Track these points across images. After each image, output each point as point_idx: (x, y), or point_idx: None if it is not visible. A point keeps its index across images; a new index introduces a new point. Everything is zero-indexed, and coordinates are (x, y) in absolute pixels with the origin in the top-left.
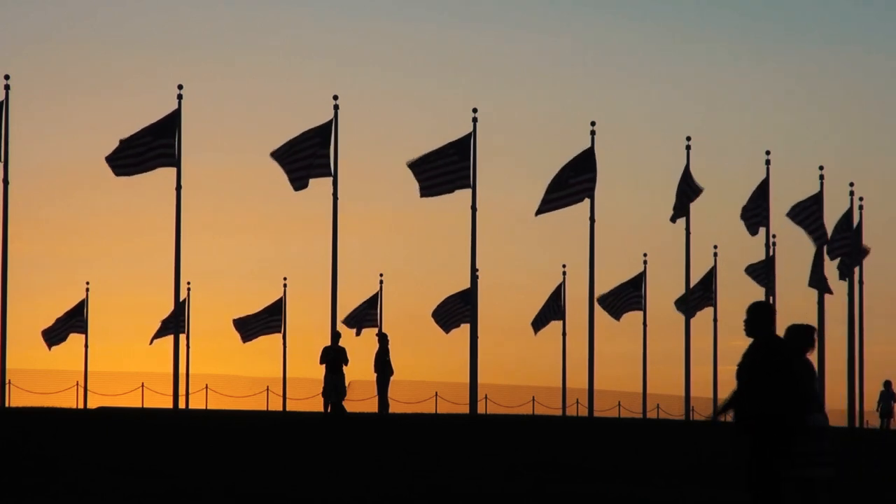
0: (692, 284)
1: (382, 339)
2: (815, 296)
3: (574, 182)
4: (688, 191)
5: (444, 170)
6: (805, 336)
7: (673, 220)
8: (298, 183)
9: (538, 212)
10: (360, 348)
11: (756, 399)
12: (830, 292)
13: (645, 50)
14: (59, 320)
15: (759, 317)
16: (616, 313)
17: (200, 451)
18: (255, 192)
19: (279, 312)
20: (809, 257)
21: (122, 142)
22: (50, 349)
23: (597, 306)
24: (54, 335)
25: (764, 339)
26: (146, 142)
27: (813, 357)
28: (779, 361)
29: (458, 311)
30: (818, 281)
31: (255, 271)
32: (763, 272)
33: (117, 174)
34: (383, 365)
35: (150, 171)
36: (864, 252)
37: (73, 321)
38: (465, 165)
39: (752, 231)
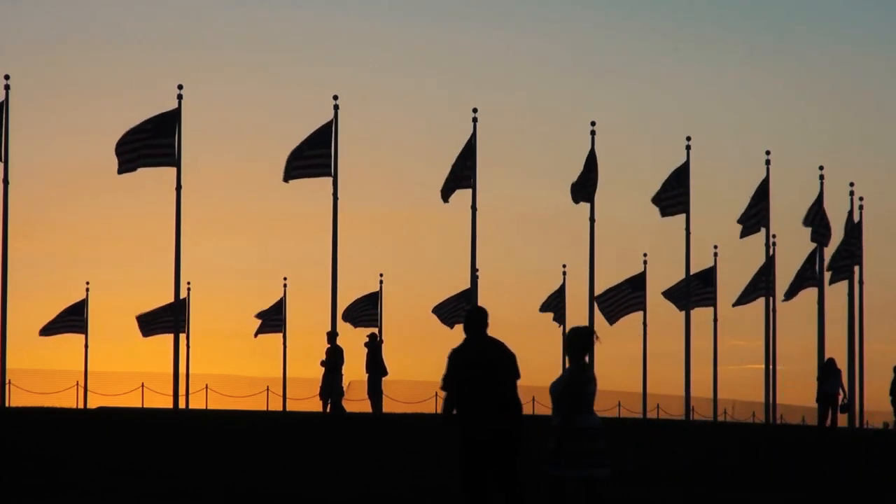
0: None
1: (373, 339)
2: (815, 296)
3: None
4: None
5: (459, 174)
6: (584, 339)
7: (663, 215)
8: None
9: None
10: (358, 348)
11: (480, 408)
12: (788, 298)
13: (645, 50)
14: (58, 316)
15: (474, 319)
16: (612, 317)
17: (200, 451)
18: (255, 192)
19: (279, 312)
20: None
21: (123, 138)
22: (40, 335)
23: (596, 307)
24: (51, 328)
25: (473, 340)
26: (143, 137)
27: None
28: (502, 368)
29: (458, 309)
30: (796, 290)
31: (255, 271)
32: (763, 276)
33: (120, 171)
34: (375, 365)
35: (147, 167)
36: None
37: (71, 318)
38: (468, 165)
39: (745, 233)
